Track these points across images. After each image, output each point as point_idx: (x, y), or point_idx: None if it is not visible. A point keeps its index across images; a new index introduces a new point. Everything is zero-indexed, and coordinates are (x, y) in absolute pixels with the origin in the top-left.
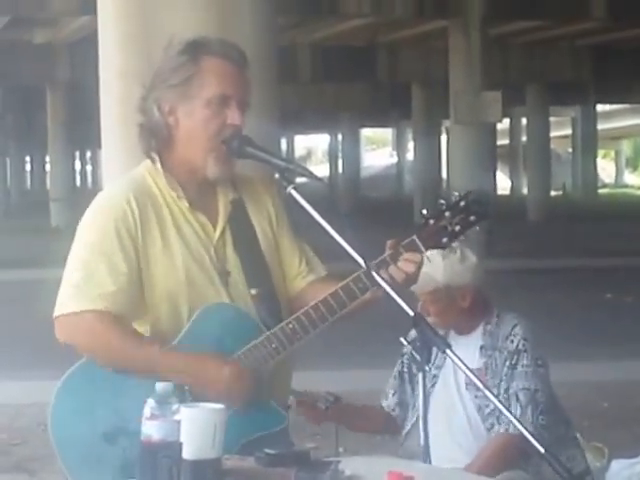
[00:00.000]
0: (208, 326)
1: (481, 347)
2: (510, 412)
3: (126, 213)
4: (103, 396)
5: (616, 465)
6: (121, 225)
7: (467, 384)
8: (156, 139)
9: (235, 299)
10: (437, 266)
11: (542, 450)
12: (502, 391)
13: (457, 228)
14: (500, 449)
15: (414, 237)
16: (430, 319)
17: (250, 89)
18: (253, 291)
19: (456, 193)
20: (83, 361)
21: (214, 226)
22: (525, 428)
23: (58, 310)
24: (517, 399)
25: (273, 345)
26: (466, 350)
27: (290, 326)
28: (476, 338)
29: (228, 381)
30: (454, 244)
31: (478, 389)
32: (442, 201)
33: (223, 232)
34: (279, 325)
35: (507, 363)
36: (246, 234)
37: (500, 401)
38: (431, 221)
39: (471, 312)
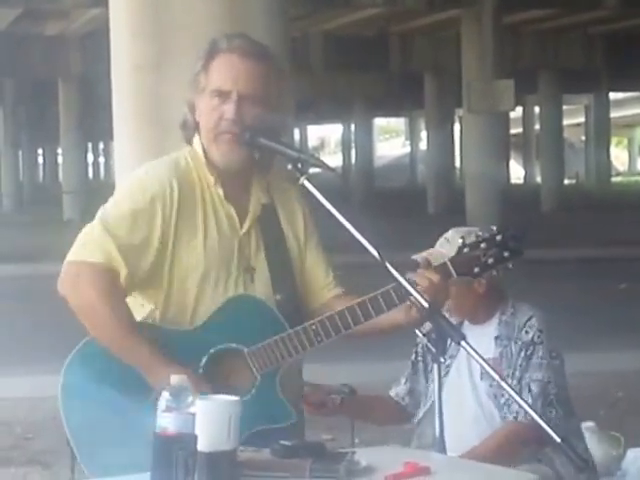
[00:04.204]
0: (232, 314)
1: (496, 337)
2: (525, 402)
3: (165, 192)
4: (108, 365)
5: (631, 453)
6: (158, 202)
7: (482, 374)
8: (188, 133)
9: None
10: (455, 245)
11: (558, 440)
12: (515, 381)
13: (490, 260)
14: (504, 437)
15: (446, 261)
16: (447, 303)
17: (266, 80)
18: (278, 296)
19: (494, 227)
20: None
21: (241, 221)
22: (539, 417)
23: (66, 258)
24: (529, 390)
25: (293, 343)
26: (481, 340)
27: (313, 327)
28: (492, 328)
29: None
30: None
31: (493, 378)
32: (479, 232)
33: (249, 230)
34: (302, 325)
35: (522, 354)
36: (275, 239)
37: (515, 391)
38: (466, 249)
39: (487, 300)
